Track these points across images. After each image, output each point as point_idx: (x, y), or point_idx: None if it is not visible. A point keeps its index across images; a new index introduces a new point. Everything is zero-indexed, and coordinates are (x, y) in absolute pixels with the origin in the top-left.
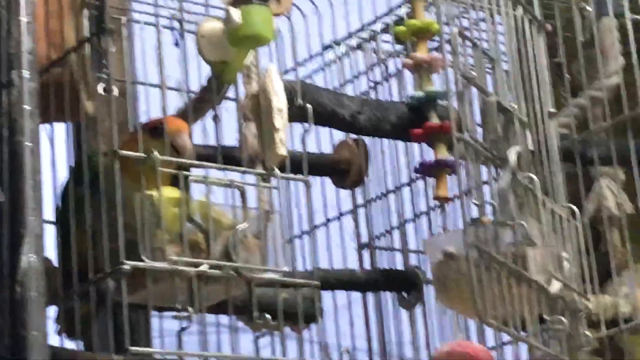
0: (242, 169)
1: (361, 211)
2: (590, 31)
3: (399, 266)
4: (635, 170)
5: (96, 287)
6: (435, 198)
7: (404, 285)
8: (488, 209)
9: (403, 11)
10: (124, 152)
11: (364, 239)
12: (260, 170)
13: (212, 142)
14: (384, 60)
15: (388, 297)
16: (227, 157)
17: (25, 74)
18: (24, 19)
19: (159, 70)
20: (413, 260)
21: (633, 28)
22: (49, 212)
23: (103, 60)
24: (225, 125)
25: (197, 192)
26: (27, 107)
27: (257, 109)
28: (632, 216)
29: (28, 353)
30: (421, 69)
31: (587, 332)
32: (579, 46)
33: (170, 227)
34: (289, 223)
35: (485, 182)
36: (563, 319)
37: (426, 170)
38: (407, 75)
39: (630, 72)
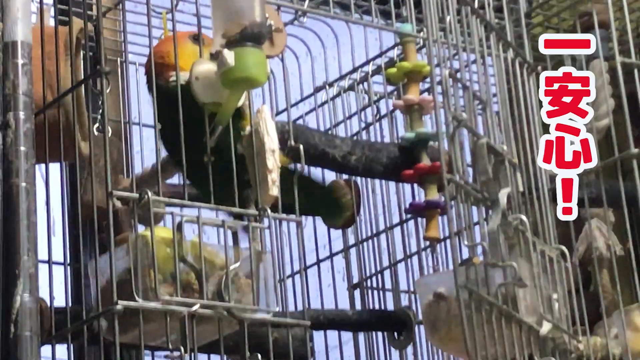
0: (235, 209)
1: (353, 251)
2: None
3: (390, 306)
4: (625, 211)
5: (88, 327)
6: (426, 238)
7: (395, 325)
8: (479, 250)
9: (394, 53)
10: (118, 193)
11: (356, 279)
12: (252, 210)
13: None
14: (375, 101)
15: (379, 337)
16: None
17: (21, 115)
18: (19, 61)
19: (153, 110)
20: (404, 300)
21: (623, 71)
22: (42, 252)
23: (98, 101)
24: None
25: (190, 232)
26: (22, 148)
27: (249, 150)
28: (622, 257)
29: None
30: (412, 111)
31: None
32: None
33: (162, 267)
34: (281, 263)
35: (476, 223)
36: None
37: (417, 210)
38: (399, 116)
39: (620, 114)
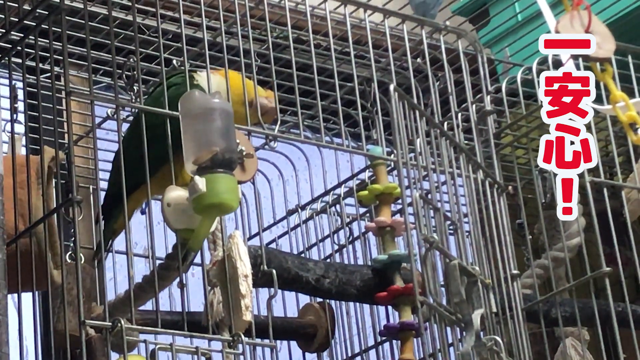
0: (208, 335)
1: None
2: (551, 192)
3: None
4: (599, 329)
5: None
6: None
7: None
8: None
9: (366, 175)
10: (90, 322)
11: None
12: (226, 336)
13: (178, 308)
14: (348, 223)
15: None
16: (193, 323)
17: None
18: None
19: (126, 237)
20: None
21: (592, 189)
22: None
23: (71, 229)
24: (192, 291)
25: (164, 358)
26: None
27: (222, 275)
28: None
29: None
30: (384, 233)
31: None
32: (540, 207)
33: None
34: None
35: (450, 345)
36: None
37: (391, 332)
38: (372, 238)
39: (591, 232)
